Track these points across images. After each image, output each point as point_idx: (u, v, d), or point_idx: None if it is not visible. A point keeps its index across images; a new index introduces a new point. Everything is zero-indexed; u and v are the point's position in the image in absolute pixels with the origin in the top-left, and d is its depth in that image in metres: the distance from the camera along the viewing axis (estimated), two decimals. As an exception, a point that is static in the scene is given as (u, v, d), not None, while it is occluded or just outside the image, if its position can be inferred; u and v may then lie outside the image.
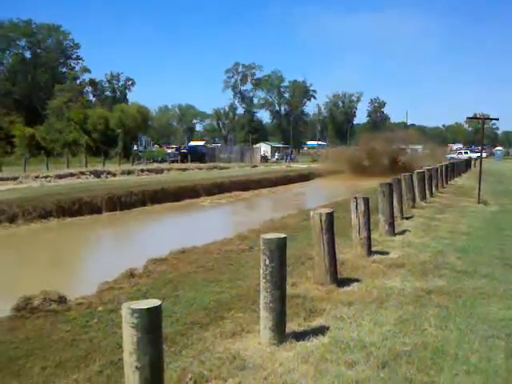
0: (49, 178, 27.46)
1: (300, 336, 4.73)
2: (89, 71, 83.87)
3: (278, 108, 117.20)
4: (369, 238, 8.21)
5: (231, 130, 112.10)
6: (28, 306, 5.96)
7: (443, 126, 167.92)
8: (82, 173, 31.00)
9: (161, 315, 3.05)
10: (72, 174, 29.97)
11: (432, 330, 4.92)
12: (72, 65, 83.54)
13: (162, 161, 51.91)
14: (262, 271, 4.63)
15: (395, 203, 11.25)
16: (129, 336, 2.98)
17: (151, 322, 2.99)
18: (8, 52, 76.80)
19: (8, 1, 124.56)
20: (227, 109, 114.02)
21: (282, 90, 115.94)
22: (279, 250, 4.61)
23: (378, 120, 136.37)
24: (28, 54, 78.15)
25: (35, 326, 5.57)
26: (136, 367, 2.98)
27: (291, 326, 4.94)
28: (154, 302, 3.06)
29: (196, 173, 39.29)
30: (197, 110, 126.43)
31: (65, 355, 4.61)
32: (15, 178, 26.38)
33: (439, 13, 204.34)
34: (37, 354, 4.68)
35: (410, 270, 7.23)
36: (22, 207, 16.21)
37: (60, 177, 28.47)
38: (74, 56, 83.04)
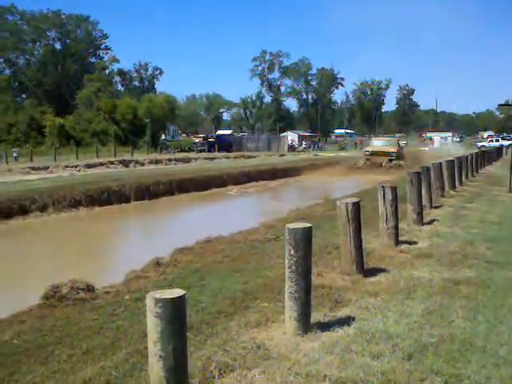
0: (78, 168, 27.90)
1: (325, 326, 4.70)
2: (117, 61, 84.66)
3: (305, 96, 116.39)
4: (396, 227, 8.10)
5: (258, 118, 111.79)
6: (57, 295, 6.07)
7: (474, 113, 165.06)
8: (111, 162, 31.44)
9: (185, 305, 3.06)
10: (101, 164, 30.42)
11: (460, 321, 4.83)
12: (101, 55, 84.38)
13: (190, 150, 52.19)
14: (286, 261, 4.61)
15: (424, 192, 11.08)
16: (153, 325, 3.00)
17: (175, 311, 3.00)
18: (39, 43, 77.84)
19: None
20: (254, 97, 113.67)
21: (310, 77, 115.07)
22: (304, 240, 4.57)
23: (407, 107, 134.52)
24: (58, 45, 79.10)
25: (63, 314, 5.67)
26: (160, 356, 3.00)
27: (316, 316, 4.91)
28: (178, 292, 3.07)
29: (223, 162, 39.42)
30: (224, 99, 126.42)
31: (92, 343, 4.68)
32: (46, 168, 26.87)
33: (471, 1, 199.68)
34: (64, 342, 4.76)
35: (438, 260, 7.12)
36: (52, 196, 16.51)
37: (89, 166, 28.89)
38: (103, 46, 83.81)
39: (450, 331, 4.59)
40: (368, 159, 34.30)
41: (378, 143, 37.25)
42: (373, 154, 34.45)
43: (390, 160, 33.40)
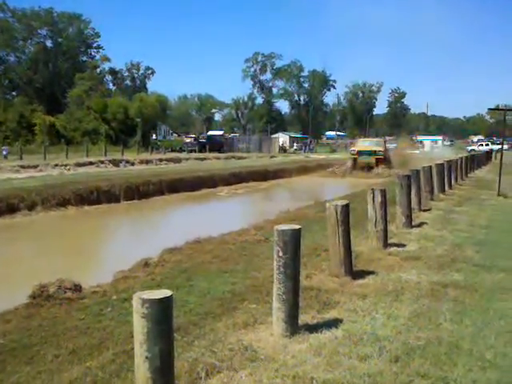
0: (68, 167, 27.71)
1: (313, 328, 4.70)
2: (109, 60, 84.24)
3: (297, 98, 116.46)
4: (385, 230, 8.13)
5: (250, 119, 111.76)
6: (43, 294, 6.02)
7: (464, 117, 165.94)
8: (101, 161, 31.27)
9: (172, 306, 3.04)
10: (91, 163, 30.23)
11: (447, 324, 4.85)
12: (92, 54, 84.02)
13: (181, 150, 52.07)
14: (275, 262, 4.60)
15: (413, 195, 11.12)
16: (139, 326, 2.98)
17: (162, 312, 2.99)
18: (30, 41, 77.37)
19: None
20: (246, 98, 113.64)
21: (302, 79, 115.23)
22: (293, 242, 4.57)
23: (398, 110, 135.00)
24: (49, 43, 78.66)
25: (50, 313, 5.63)
26: (146, 357, 2.99)
27: (304, 318, 4.91)
28: (165, 293, 3.06)
29: (214, 162, 39.37)
30: (216, 100, 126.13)
31: (78, 343, 4.65)
32: (35, 166, 26.66)
33: (462, 2, 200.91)
34: (51, 342, 4.73)
35: (426, 263, 7.15)
36: (41, 195, 16.40)
37: (79, 165, 28.72)
38: (95, 45, 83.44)
39: (437, 334, 4.61)
40: (355, 159, 33.35)
41: (365, 143, 36.21)
42: (359, 153, 33.52)
43: (377, 160, 32.47)
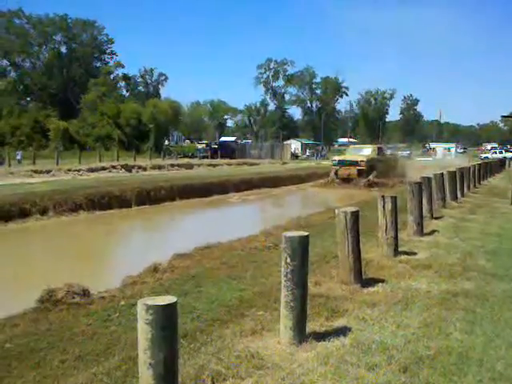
0: (81, 172, 27.91)
1: (321, 336, 4.65)
2: (122, 66, 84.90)
3: (309, 104, 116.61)
4: (396, 237, 8.05)
5: (262, 126, 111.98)
6: (52, 298, 6.03)
7: (478, 124, 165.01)
8: (114, 167, 31.43)
9: (176, 312, 3.01)
10: (103, 168, 30.41)
11: (457, 334, 4.78)
12: (106, 59, 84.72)
13: (193, 156, 52.25)
14: (283, 269, 4.57)
15: (424, 203, 11.02)
16: (143, 332, 2.95)
17: (166, 319, 2.95)
18: (45, 47, 78.19)
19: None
20: (258, 105, 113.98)
21: (314, 86, 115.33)
22: (301, 248, 4.53)
23: (411, 118, 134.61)
24: (64, 49, 79.47)
25: (58, 318, 5.63)
26: (150, 364, 2.95)
27: (312, 326, 4.86)
28: (169, 299, 3.03)
29: (226, 168, 39.42)
30: (228, 106, 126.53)
31: (85, 348, 4.63)
32: (48, 171, 26.89)
33: (475, 10, 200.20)
34: (58, 347, 4.72)
35: (437, 272, 7.06)
36: (53, 200, 16.48)
37: (92, 170, 28.90)
38: (109, 51, 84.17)
39: (447, 344, 4.54)
40: (336, 170, 29.74)
41: (354, 151, 32.82)
42: (340, 164, 29.96)
43: (359, 172, 28.67)
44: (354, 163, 29.16)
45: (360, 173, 28.71)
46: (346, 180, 29.01)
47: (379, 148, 33.60)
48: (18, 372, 4.26)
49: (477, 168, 22.99)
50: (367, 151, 31.73)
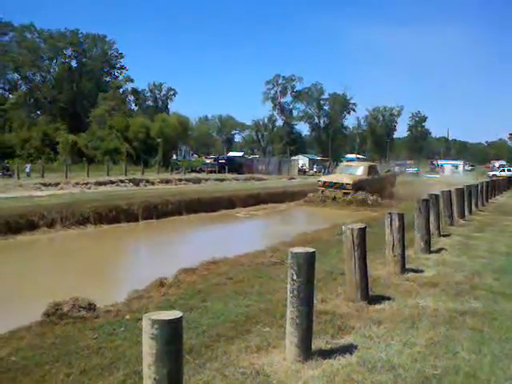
0: (89, 185, 28.05)
1: (326, 354, 4.62)
2: (132, 81, 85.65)
3: (317, 120, 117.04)
4: (403, 255, 8.02)
5: (270, 141, 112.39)
6: (57, 312, 6.03)
7: (486, 142, 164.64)
8: (122, 180, 31.58)
9: (181, 327, 3.00)
10: (111, 182, 30.57)
11: (464, 353, 4.73)
12: (116, 74, 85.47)
13: (200, 171, 52.42)
14: (289, 286, 4.56)
15: (432, 220, 11.00)
16: (148, 347, 2.95)
17: (171, 333, 2.95)
18: (55, 61, 79.02)
19: (56, 11, 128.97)
20: (266, 120, 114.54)
21: (322, 102, 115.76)
22: (307, 265, 4.52)
23: (419, 135, 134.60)
24: (74, 63, 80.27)
25: (63, 331, 5.62)
26: (154, 379, 2.94)
27: (318, 343, 4.84)
28: (175, 314, 3.03)
29: (233, 183, 39.47)
30: (236, 121, 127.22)
31: (90, 363, 4.62)
32: (57, 184, 27.06)
33: (481, 28, 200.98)
34: (63, 360, 4.71)
35: (444, 290, 7.02)
36: (60, 213, 16.55)
37: (100, 184, 29.04)
38: (118, 65, 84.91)
39: (454, 363, 4.50)
40: (322, 192, 27.47)
41: (344, 170, 30.30)
42: (326, 184, 27.78)
43: (345, 194, 26.60)
44: (340, 186, 27.06)
45: (345, 195, 26.60)
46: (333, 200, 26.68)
47: (371, 167, 31.10)
48: (23, 385, 4.25)
49: (485, 185, 22.89)
50: (357, 171, 29.37)
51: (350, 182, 26.86)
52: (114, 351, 4.92)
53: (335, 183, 27.39)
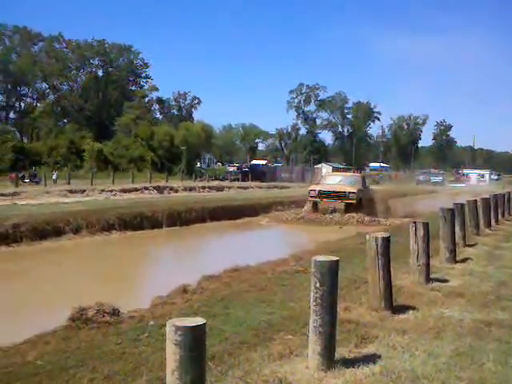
0: (114, 192, 28.37)
1: (350, 363, 4.59)
2: (157, 90, 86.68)
3: (340, 129, 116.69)
4: (427, 264, 7.93)
5: (293, 150, 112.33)
6: (82, 317, 6.10)
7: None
8: (146, 188, 31.86)
9: (205, 334, 3.01)
10: (136, 189, 30.86)
11: (490, 365, 4.65)
12: (141, 83, 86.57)
13: (224, 179, 52.67)
14: (312, 294, 4.54)
15: (457, 230, 10.86)
16: (172, 353, 2.96)
17: (195, 340, 2.96)
18: (82, 70, 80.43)
19: (83, 22, 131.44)
20: (290, 129, 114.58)
21: (346, 111, 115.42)
22: (331, 273, 4.51)
23: (444, 143, 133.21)
24: (100, 73, 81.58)
25: (88, 336, 5.68)
26: (177, 385, 2.96)
27: (341, 352, 4.80)
28: (198, 321, 3.04)
29: (256, 191, 39.54)
30: (260, 130, 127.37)
31: (113, 368, 4.66)
32: (82, 191, 27.41)
33: (508, 35, 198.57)
34: (87, 365, 4.75)
35: (469, 300, 6.92)
36: (86, 219, 16.76)
37: (124, 191, 29.35)
38: (144, 75, 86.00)
39: (480, 375, 4.42)
40: (315, 204, 23.45)
41: (334, 180, 25.84)
42: (321, 195, 23.38)
43: (349, 205, 22.53)
44: (342, 195, 22.88)
45: (347, 208, 22.56)
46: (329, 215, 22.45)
47: (364, 178, 27.46)
48: (48, 389, 4.30)
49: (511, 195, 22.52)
50: (352, 180, 25.47)
51: (355, 191, 22.95)
52: (137, 357, 4.95)
53: (334, 192, 23.14)
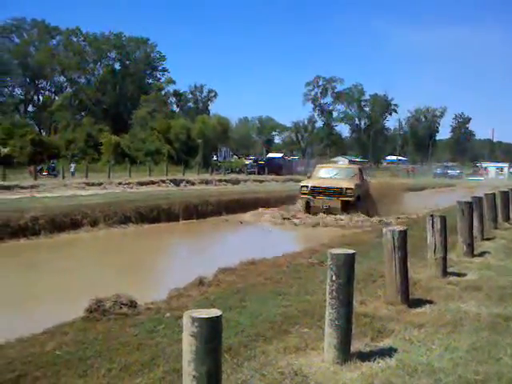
0: (131, 185, 28.54)
1: (365, 356, 4.59)
2: (173, 82, 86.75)
3: (357, 122, 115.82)
4: (445, 258, 7.88)
5: (310, 142, 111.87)
6: (100, 308, 6.16)
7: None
8: (163, 181, 31.97)
9: (221, 325, 3.03)
10: (153, 182, 30.99)
11: (508, 359, 4.61)
12: (158, 76, 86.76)
13: (240, 171, 52.68)
14: (328, 287, 4.54)
15: (475, 223, 10.76)
16: (188, 344, 2.98)
17: (211, 331, 2.98)
18: (99, 64, 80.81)
19: (100, 15, 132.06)
20: (306, 122, 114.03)
21: (363, 103, 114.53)
22: (347, 267, 4.50)
23: (462, 136, 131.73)
24: (117, 66, 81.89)
25: (105, 327, 5.74)
26: (194, 376, 2.98)
27: (357, 346, 4.80)
28: (214, 312, 3.05)
29: (272, 184, 39.52)
30: (276, 123, 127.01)
31: (130, 359, 4.70)
32: (100, 184, 27.63)
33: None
34: (104, 356, 4.80)
35: (487, 294, 6.86)
36: (103, 212, 16.90)
37: (141, 184, 29.50)
38: (160, 68, 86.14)
39: (497, 369, 4.39)
40: (307, 202, 20.88)
41: (328, 174, 22.57)
42: (314, 191, 20.82)
43: (347, 203, 20.18)
44: (338, 192, 20.45)
45: (345, 206, 20.27)
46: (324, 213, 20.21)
47: (361, 170, 23.75)
48: (66, 379, 4.35)
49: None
50: (350, 173, 22.53)
51: (352, 187, 20.42)
52: (154, 348, 4.99)
53: (328, 189, 20.68)
